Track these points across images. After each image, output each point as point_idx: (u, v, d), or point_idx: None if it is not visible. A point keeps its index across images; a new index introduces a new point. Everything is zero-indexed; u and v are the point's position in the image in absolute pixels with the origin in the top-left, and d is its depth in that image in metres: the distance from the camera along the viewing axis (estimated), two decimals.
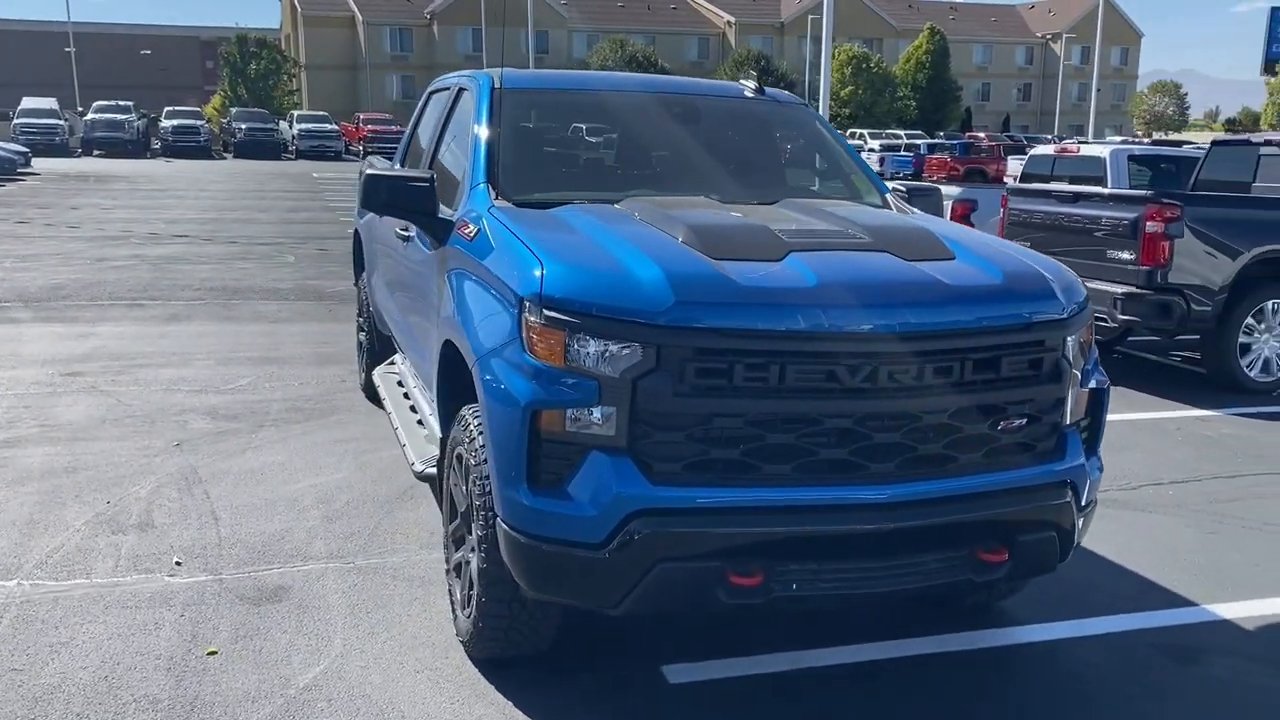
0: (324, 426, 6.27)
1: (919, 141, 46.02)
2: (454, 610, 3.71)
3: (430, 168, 4.83)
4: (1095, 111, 51.15)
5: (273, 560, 4.34)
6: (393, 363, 6.04)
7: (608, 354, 2.86)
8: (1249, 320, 7.78)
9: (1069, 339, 3.22)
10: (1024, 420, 3.19)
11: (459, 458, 3.60)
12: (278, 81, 63.11)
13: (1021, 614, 4.02)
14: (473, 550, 3.51)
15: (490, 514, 3.19)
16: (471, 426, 3.39)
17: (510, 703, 3.31)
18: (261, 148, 43.49)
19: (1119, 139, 52.47)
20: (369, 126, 46.96)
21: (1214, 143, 10.00)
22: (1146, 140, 39.21)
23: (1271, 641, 3.86)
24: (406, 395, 5.37)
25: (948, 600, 3.96)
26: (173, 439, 5.92)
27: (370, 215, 6.07)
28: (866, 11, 77.19)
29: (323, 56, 70.34)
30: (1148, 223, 7.61)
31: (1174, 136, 67.69)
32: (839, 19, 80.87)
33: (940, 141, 46.53)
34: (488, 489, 3.22)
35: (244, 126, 44.75)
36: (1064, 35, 77.16)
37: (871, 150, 52.34)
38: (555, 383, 2.92)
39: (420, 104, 5.83)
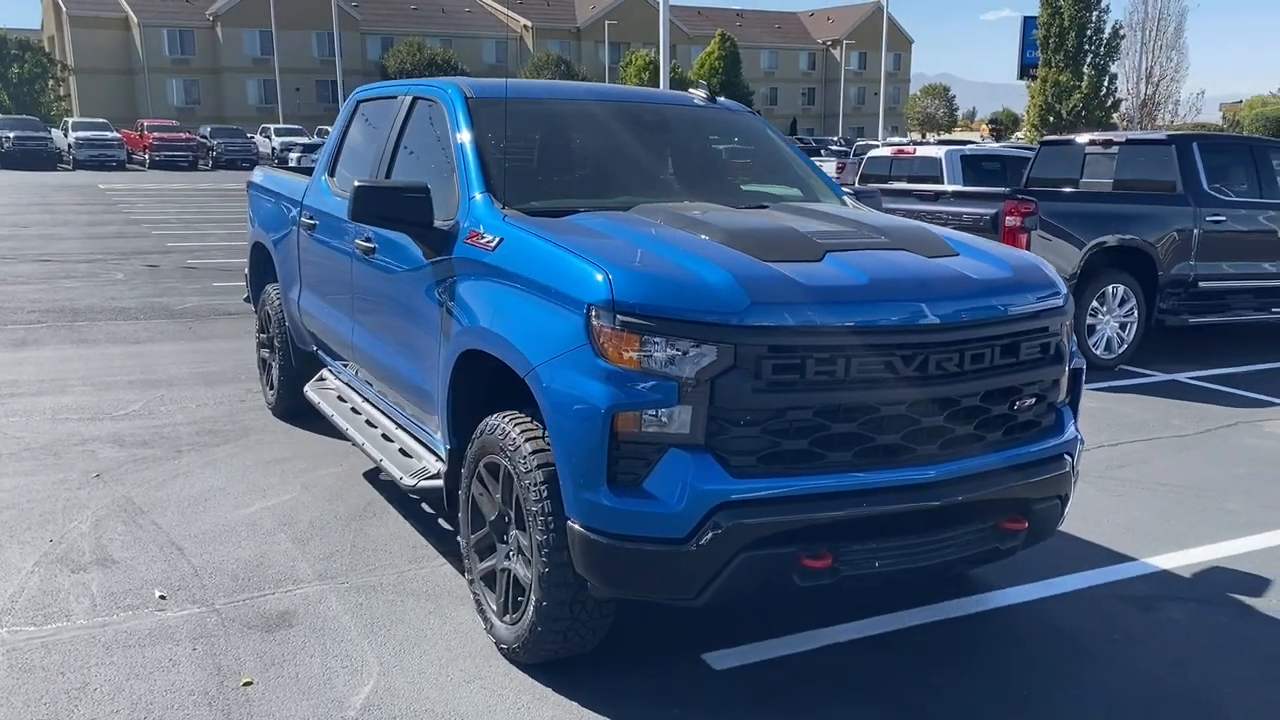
0: (247, 448, 6.04)
1: None
2: (486, 619, 3.72)
3: (388, 178, 4.77)
4: (883, 112, 54.22)
5: (262, 587, 4.20)
6: (322, 379, 5.89)
7: (686, 355, 2.99)
8: (1094, 304, 8.59)
9: (1065, 323, 3.57)
10: (1034, 399, 3.52)
11: (491, 467, 3.62)
12: (44, 86, 58.66)
13: (993, 581, 4.37)
14: (513, 556, 3.56)
15: (551, 519, 3.25)
16: (513, 434, 3.43)
17: (575, 702, 3.38)
18: (34, 158, 40.23)
19: (902, 139, 55.82)
20: (154, 134, 44.25)
21: (1042, 143, 10.94)
22: (924, 139, 41.75)
23: (1210, 586, 4.37)
24: (356, 410, 5.28)
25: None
26: (88, 470, 5.58)
27: (292, 230, 5.91)
28: (660, 18, 78.87)
29: (94, 60, 65.81)
30: (1006, 217, 8.29)
31: (946, 136, 72.37)
32: (633, 25, 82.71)
33: None
34: (545, 494, 3.27)
35: (12, 135, 41.21)
36: (844, 42, 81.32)
37: None
38: (632, 385, 3.02)
39: (345, 114, 5.70)
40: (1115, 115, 47.49)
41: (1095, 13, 44.58)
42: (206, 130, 49.85)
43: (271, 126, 53.56)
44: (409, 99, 4.89)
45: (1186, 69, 50.04)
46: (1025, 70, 53.07)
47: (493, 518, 3.70)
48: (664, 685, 3.50)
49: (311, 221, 5.55)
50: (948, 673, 3.63)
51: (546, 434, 3.36)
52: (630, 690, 3.46)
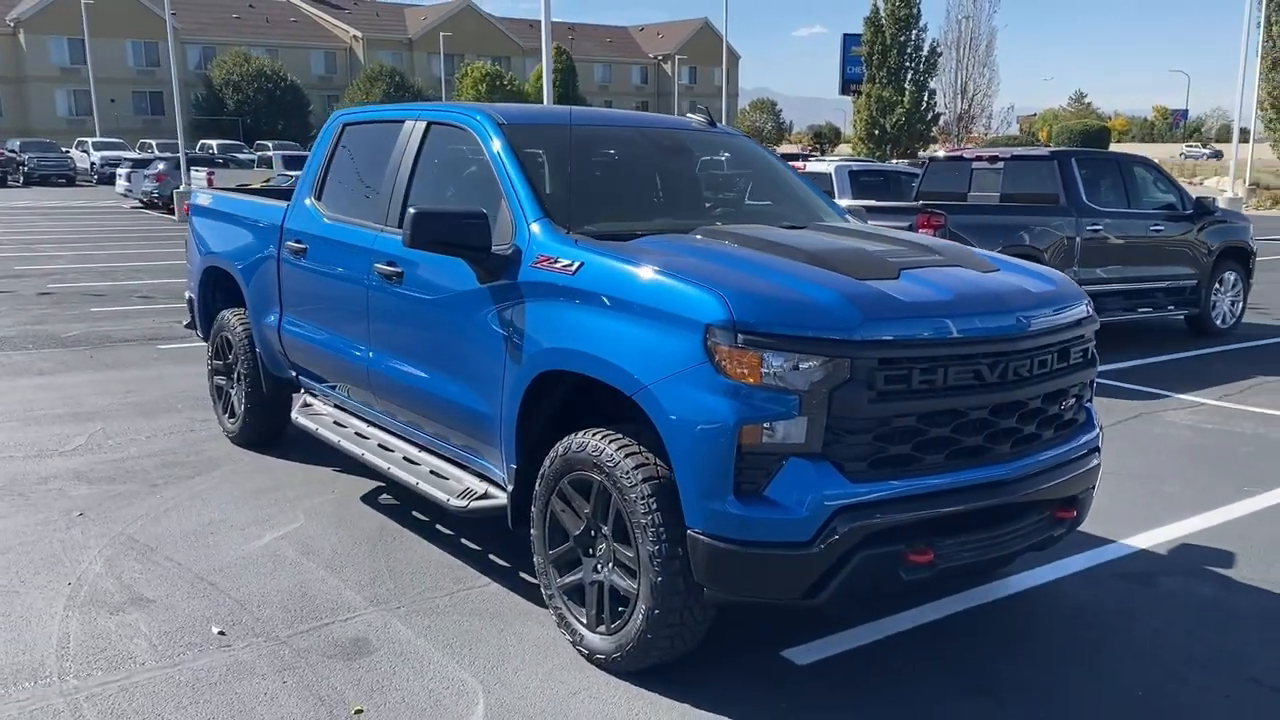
0: (225, 479, 5.88)
1: None
2: (573, 632, 3.83)
3: (405, 204, 4.79)
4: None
5: (319, 616, 4.17)
6: (308, 405, 5.81)
7: (807, 370, 3.21)
8: None
9: (1095, 330, 3.97)
10: (1074, 400, 3.90)
11: (578, 483, 3.74)
12: None
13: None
14: (602, 569, 3.69)
15: (663, 529, 3.40)
16: (609, 451, 3.56)
17: (686, 704, 3.53)
18: None
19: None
20: None
21: (931, 159, 11.67)
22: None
23: (1187, 561, 4.88)
24: (361, 435, 5.25)
25: None
26: (67, 509, 5.33)
27: (268, 254, 5.80)
28: (494, 30, 78.69)
29: None
30: (920, 229, 8.84)
31: (776, 149, 74.68)
32: (467, 37, 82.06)
33: None
34: (655, 506, 3.42)
35: None
36: (675, 56, 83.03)
37: None
38: (755, 399, 3.21)
39: (328, 137, 5.65)
40: (935, 129, 50.37)
41: (914, 31, 47.07)
42: (15, 144, 46.68)
43: (89, 140, 50.69)
44: (420, 125, 4.92)
45: (998, 85, 53.48)
46: (847, 85, 55.67)
47: (577, 532, 3.81)
48: (757, 684, 3.69)
49: (299, 246, 5.48)
50: (1004, 649, 3.96)
51: (644, 448, 3.52)
52: (729, 691, 3.63)
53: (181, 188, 27.67)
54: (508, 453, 4.11)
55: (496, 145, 4.41)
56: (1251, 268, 11.58)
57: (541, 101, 72.12)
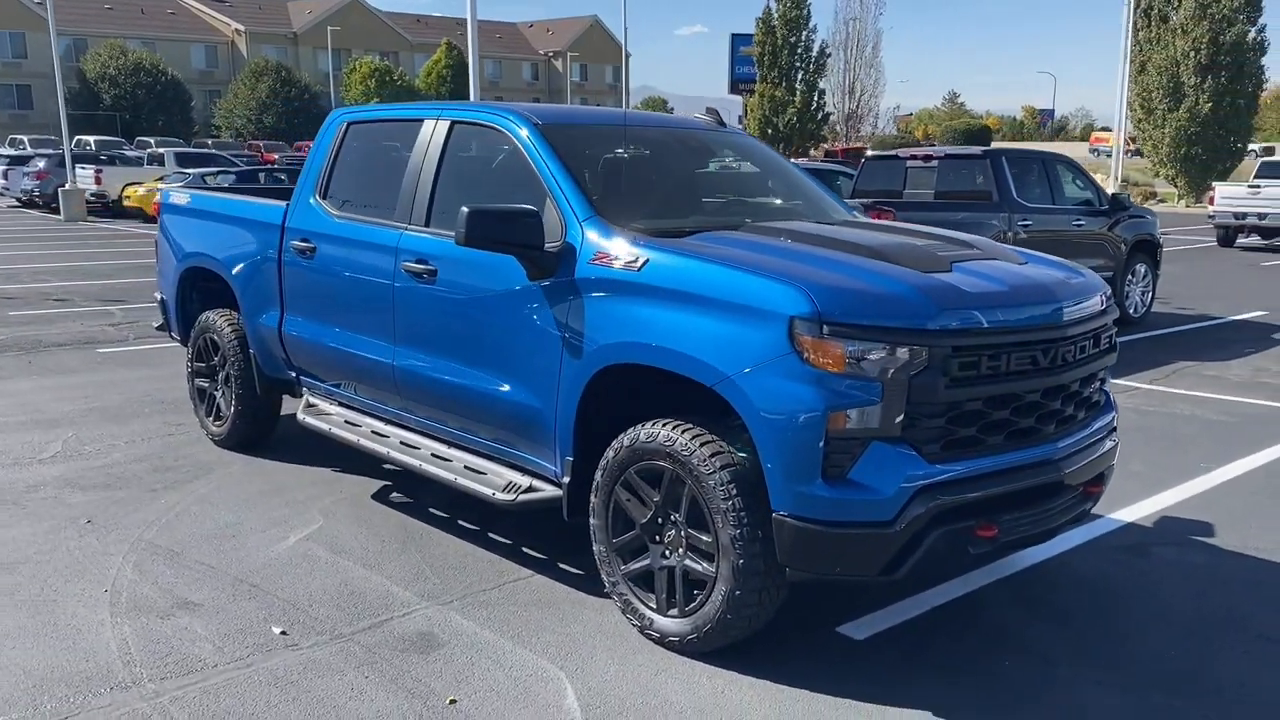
0: (225, 483, 5.80)
1: None
2: (641, 617, 3.95)
3: (431, 202, 4.83)
4: None
5: (376, 613, 4.19)
6: (313, 405, 5.76)
7: (890, 358, 3.40)
8: None
9: (1114, 317, 4.28)
10: (1098, 383, 4.20)
11: (646, 473, 3.87)
12: None
13: None
14: (671, 554, 3.83)
15: (744, 514, 3.56)
16: (684, 440, 3.70)
17: (766, 680, 3.69)
18: None
19: None
20: None
21: (867, 158, 12.06)
22: None
23: (1174, 531, 5.25)
24: (379, 433, 5.26)
25: None
26: (69, 517, 5.20)
27: (267, 254, 5.73)
28: (381, 25, 77.41)
29: None
30: None
31: None
32: (354, 31, 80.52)
33: None
34: (735, 492, 3.58)
35: None
36: (566, 53, 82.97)
37: None
38: (840, 387, 3.39)
39: (332, 135, 5.61)
40: (824, 129, 51.58)
41: (804, 33, 48.11)
42: None
43: None
44: (443, 124, 4.95)
45: (884, 85, 55.02)
46: (735, 85, 56.62)
47: (644, 521, 3.94)
48: (821, 659, 3.88)
49: (306, 245, 5.44)
50: (1036, 616, 4.24)
51: (717, 437, 3.67)
52: (797, 667, 3.80)
53: (68, 186, 26.62)
54: (562, 446, 4.20)
55: (535, 145, 4.49)
56: (1159, 259, 12.32)
57: (434, 97, 71.26)
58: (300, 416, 5.71)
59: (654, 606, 3.93)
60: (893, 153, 12.02)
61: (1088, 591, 4.53)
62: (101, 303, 12.75)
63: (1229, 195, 23.18)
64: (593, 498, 4.10)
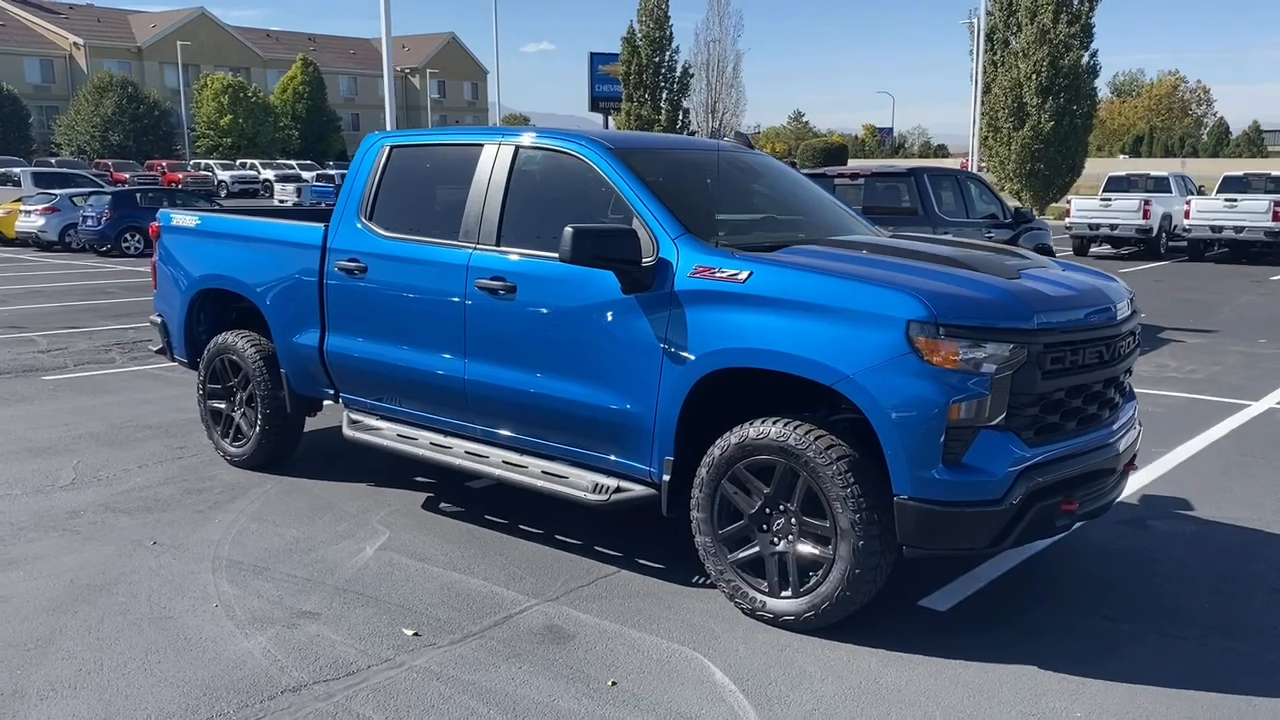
0: (271, 502, 5.86)
1: (334, 172, 46.58)
2: (751, 600, 4.30)
3: (501, 224, 5.08)
4: None
5: (493, 611, 4.41)
6: (356, 421, 5.87)
7: (998, 355, 3.87)
8: None
9: (1140, 317, 4.88)
10: (1129, 373, 4.79)
11: (756, 467, 4.24)
12: None
13: None
14: (780, 540, 4.21)
15: (863, 500, 3.97)
16: (797, 435, 4.09)
17: (882, 649, 4.09)
18: None
19: None
20: None
21: None
22: None
23: (1159, 506, 5.91)
24: (439, 445, 5.43)
25: None
26: (131, 540, 5.21)
27: (305, 275, 5.84)
28: (231, 40, 75.12)
29: None
30: None
31: None
32: (203, 47, 77.68)
33: None
34: (853, 480, 3.99)
35: None
36: (425, 70, 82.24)
37: (268, 180, 51.57)
38: (955, 382, 3.84)
39: (373, 158, 5.74)
40: None
41: (667, 53, 49.19)
42: None
43: None
44: (507, 149, 5.18)
45: (745, 105, 56.58)
46: (596, 103, 57.47)
47: (752, 511, 4.30)
48: (913, 630, 4.31)
49: (354, 265, 5.58)
50: (1084, 583, 4.79)
51: (824, 431, 4.08)
52: (898, 639, 4.21)
53: None
54: (662, 447, 4.52)
55: (616, 169, 4.80)
56: None
57: (290, 113, 69.03)
58: (347, 432, 5.83)
59: (766, 590, 4.29)
60: (820, 171, 12.71)
61: (1115, 560, 5.11)
62: (10, 329, 12.28)
63: (1084, 208, 25.04)
64: (696, 493, 4.44)
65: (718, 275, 4.35)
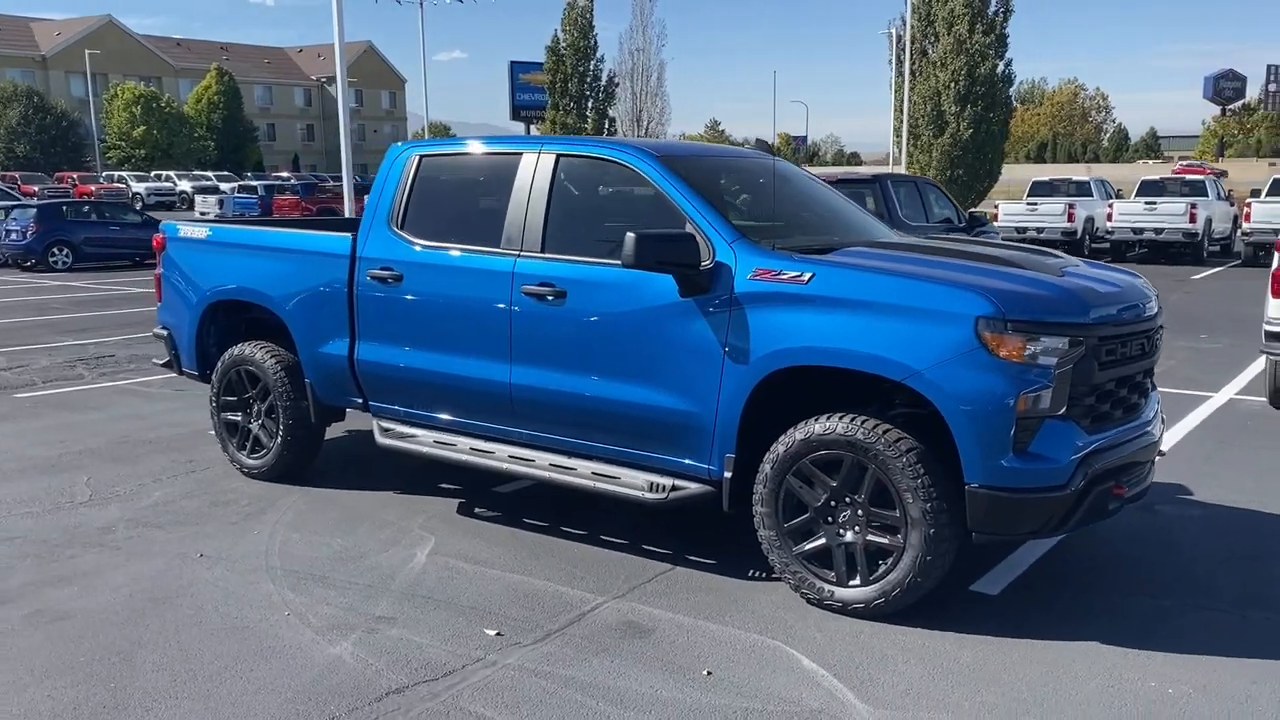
0: (304, 513, 5.84)
1: (257, 183, 45.63)
2: (818, 590, 4.45)
3: (545, 231, 5.17)
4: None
5: (567, 609, 4.49)
6: (388, 429, 5.88)
7: (1060, 349, 4.10)
8: None
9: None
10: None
11: (822, 462, 4.41)
12: None
13: None
14: (846, 531, 4.39)
15: (932, 489, 4.16)
16: (864, 430, 4.27)
17: (950, 631, 4.28)
18: None
19: None
20: None
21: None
22: None
23: (1160, 493, 6.18)
24: (480, 450, 5.49)
25: None
26: (176, 553, 5.17)
27: (333, 285, 5.84)
28: (140, 49, 73.23)
29: None
30: None
31: None
32: (112, 55, 75.68)
33: (284, 182, 46.52)
34: (922, 471, 4.18)
35: None
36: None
37: (185, 192, 50.42)
38: (1023, 374, 4.06)
39: (402, 168, 5.76)
40: None
41: (592, 62, 49.38)
42: None
43: None
44: (548, 158, 5.25)
45: (669, 114, 57.00)
46: (517, 111, 57.51)
47: (818, 504, 4.47)
48: (968, 613, 4.51)
49: (389, 274, 5.60)
50: (1120, 564, 5.05)
51: (890, 425, 4.27)
52: (959, 623, 4.40)
53: None
54: (723, 445, 4.65)
55: (666, 177, 4.92)
56: None
57: (206, 124, 67.51)
58: (381, 440, 5.84)
59: (833, 579, 4.46)
60: None
61: (1139, 543, 5.40)
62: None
63: (1011, 212, 25.87)
64: (760, 488, 4.58)
65: (781, 278, 4.51)
